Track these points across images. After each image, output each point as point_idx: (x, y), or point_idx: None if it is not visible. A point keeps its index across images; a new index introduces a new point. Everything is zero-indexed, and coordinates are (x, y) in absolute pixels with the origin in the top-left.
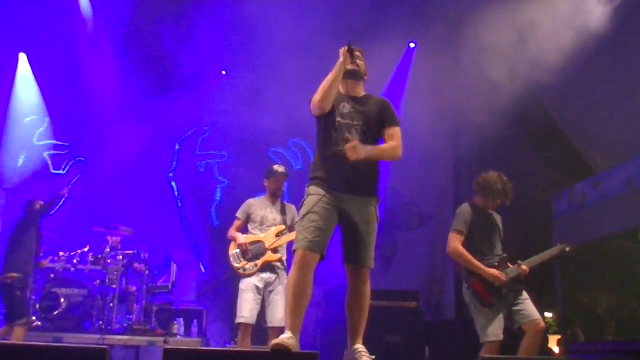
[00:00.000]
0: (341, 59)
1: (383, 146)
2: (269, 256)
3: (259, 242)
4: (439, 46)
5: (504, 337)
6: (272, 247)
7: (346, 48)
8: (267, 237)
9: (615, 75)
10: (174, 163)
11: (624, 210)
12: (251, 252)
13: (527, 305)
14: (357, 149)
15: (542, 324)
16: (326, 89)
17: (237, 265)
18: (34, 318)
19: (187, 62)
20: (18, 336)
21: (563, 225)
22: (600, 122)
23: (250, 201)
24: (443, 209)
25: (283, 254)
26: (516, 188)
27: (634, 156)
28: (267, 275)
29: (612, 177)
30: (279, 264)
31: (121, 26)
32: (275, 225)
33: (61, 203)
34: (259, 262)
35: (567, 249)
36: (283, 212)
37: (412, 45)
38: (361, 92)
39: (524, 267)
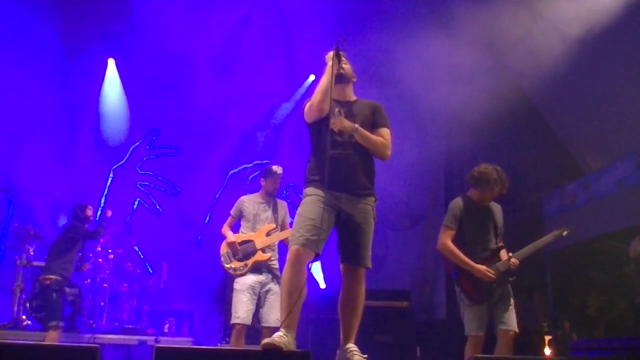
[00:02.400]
0: (329, 63)
1: (373, 135)
2: (259, 255)
3: (249, 241)
4: (430, 42)
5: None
6: (262, 246)
7: (333, 52)
8: (258, 236)
9: (606, 77)
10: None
11: (614, 211)
12: (241, 252)
13: (508, 312)
14: (341, 119)
15: (511, 334)
16: (323, 90)
17: (227, 266)
18: (23, 317)
19: None
20: (50, 339)
21: (554, 226)
22: (591, 123)
23: (243, 198)
24: (434, 208)
25: (275, 253)
26: (507, 189)
27: (625, 157)
28: (263, 276)
29: (603, 178)
30: (274, 264)
31: None
32: (268, 223)
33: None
34: (249, 262)
35: (565, 233)
36: (275, 210)
37: None
38: (351, 95)
39: (513, 260)
